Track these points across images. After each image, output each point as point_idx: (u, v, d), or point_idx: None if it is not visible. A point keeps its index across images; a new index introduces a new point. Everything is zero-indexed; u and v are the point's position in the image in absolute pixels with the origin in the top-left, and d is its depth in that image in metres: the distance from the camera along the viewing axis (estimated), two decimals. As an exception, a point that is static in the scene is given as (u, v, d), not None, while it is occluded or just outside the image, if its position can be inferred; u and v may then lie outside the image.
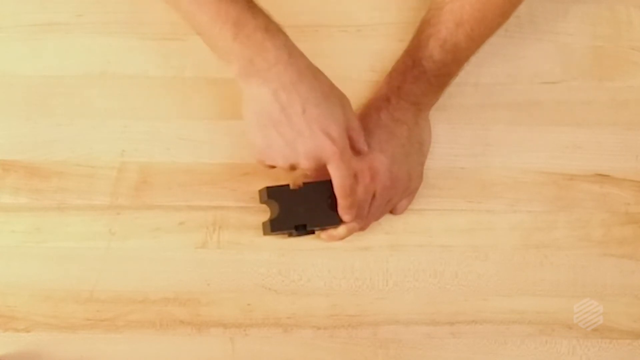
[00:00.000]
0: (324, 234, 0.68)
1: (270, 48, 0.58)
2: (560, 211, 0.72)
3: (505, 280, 0.71)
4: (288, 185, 0.67)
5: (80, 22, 0.73)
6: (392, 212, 0.70)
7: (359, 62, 0.73)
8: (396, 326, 0.70)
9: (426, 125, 0.70)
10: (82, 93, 0.72)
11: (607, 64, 0.74)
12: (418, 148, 0.69)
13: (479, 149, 0.73)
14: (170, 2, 0.61)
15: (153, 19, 0.72)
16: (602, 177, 0.73)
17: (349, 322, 0.70)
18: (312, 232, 0.68)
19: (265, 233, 0.69)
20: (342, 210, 0.65)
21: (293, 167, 0.62)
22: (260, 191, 0.68)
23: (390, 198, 0.68)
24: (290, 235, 0.68)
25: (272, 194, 0.66)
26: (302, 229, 0.66)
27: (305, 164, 0.61)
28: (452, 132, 0.73)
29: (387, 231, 0.71)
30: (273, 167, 0.64)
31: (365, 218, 0.68)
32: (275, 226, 0.66)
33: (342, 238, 0.68)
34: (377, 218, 0.70)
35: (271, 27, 0.59)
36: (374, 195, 0.67)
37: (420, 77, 0.67)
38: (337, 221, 0.67)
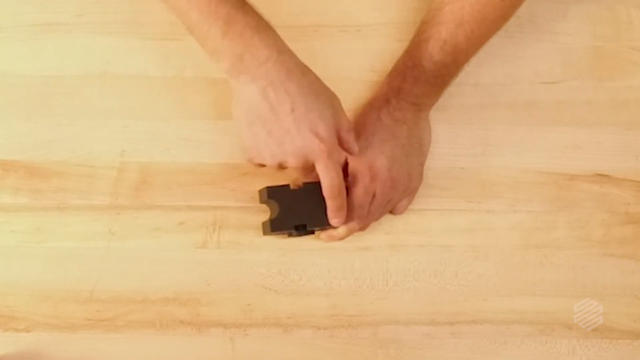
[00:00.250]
0: (324, 234, 0.68)
1: (260, 46, 0.58)
2: (560, 211, 0.72)
3: (505, 280, 0.71)
4: (288, 185, 0.67)
5: (80, 22, 0.73)
6: (392, 212, 0.70)
7: (359, 62, 0.73)
8: (396, 326, 0.70)
9: (426, 126, 0.70)
10: (82, 93, 0.72)
11: (607, 64, 0.74)
12: (418, 148, 0.69)
13: (479, 149, 0.73)
14: None
15: (153, 19, 0.72)
16: (602, 177, 0.73)
17: (349, 322, 0.70)
18: (312, 232, 0.68)
19: (265, 233, 0.69)
20: (332, 213, 0.64)
21: (281, 166, 0.62)
22: (260, 191, 0.68)
23: (390, 198, 0.68)
24: (290, 235, 0.68)
25: (272, 194, 0.66)
26: (302, 229, 0.66)
27: (293, 163, 0.61)
28: (452, 132, 0.73)
29: (387, 231, 0.71)
30: (262, 165, 0.64)
31: (365, 218, 0.68)
32: (275, 226, 0.66)
33: (342, 238, 0.68)
34: (377, 218, 0.70)
35: (261, 25, 0.59)
36: (374, 196, 0.67)
37: (420, 77, 0.67)
38: (337, 221, 0.67)
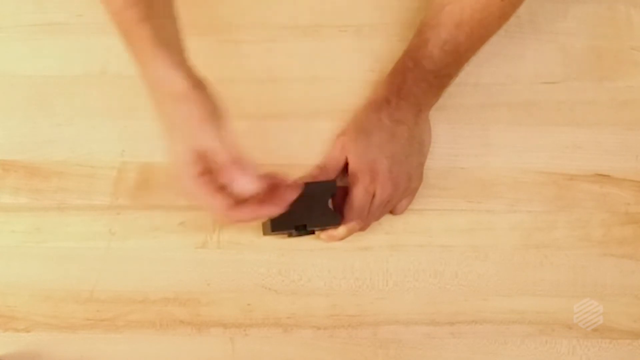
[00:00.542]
0: (323, 234, 0.68)
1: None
2: (560, 211, 0.72)
3: (505, 280, 0.71)
4: (288, 185, 0.67)
5: (80, 22, 0.73)
6: (392, 212, 0.70)
7: (359, 62, 0.73)
8: (396, 326, 0.70)
9: (426, 126, 0.70)
10: (82, 93, 0.72)
11: (607, 64, 0.74)
12: (418, 148, 0.69)
13: (479, 149, 0.73)
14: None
15: (153, 19, 0.72)
16: (602, 177, 0.73)
17: (349, 322, 0.70)
18: (312, 232, 0.68)
19: (265, 233, 0.69)
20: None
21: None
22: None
23: (391, 198, 0.68)
24: (290, 235, 0.68)
25: (272, 194, 0.66)
26: (302, 229, 0.66)
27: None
28: (452, 132, 0.73)
29: (387, 231, 0.71)
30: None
31: (365, 218, 0.68)
32: (275, 226, 0.66)
33: (342, 238, 0.68)
34: (377, 218, 0.70)
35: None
36: (374, 196, 0.67)
37: (420, 77, 0.67)
38: (337, 221, 0.67)
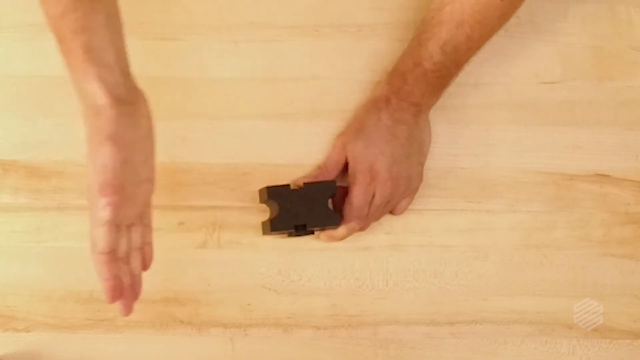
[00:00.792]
0: (323, 234, 0.69)
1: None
2: (560, 211, 0.72)
3: (505, 280, 0.71)
4: (288, 185, 0.67)
5: (80, 22, 0.73)
6: (392, 212, 0.70)
7: (359, 62, 0.73)
8: (396, 326, 0.70)
9: (426, 126, 0.70)
10: (82, 93, 0.72)
11: (607, 64, 0.74)
12: (418, 148, 0.69)
13: (479, 149, 0.73)
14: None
15: (153, 19, 0.72)
16: (602, 177, 0.73)
17: (349, 322, 0.70)
18: (312, 232, 0.68)
19: (265, 233, 0.69)
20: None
21: None
22: (260, 191, 0.68)
23: (390, 198, 0.68)
24: (290, 235, 0.68)
25: (272, 194, 0.66)
26: (302, 229, 0.66)
27: None
28: (452, 132, 0.73)
29: (387, 231, 0.71)
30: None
31: (365, 218, 0.68)
32: (275, 226, 0.66)
33: (341, 238, 0.68)
34: (377, 218, 0.70)
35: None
36: (373, 196, 0.67)
37: (420, 78, 0.67)
38: (337, 221, 0.67)
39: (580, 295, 0.71)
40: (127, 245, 0.57)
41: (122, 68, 0.56)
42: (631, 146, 0.73)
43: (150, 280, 0.69)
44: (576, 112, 0.73)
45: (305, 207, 0.66)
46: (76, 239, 0.70)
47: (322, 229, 0.68)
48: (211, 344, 0.69)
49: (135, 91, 0.57)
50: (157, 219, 0.70)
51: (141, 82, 0.72)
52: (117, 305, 0.57)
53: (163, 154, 0.71)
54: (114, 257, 0.56)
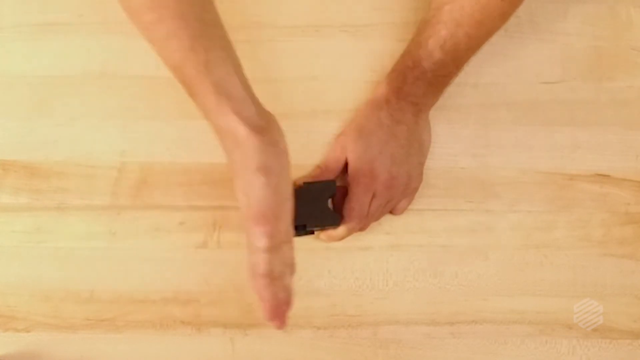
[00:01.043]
0: (323, 234, 0.69)
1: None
2: (560, 211, 0.72)
3: (505, 280, 0.71)
4: (288, 185, 0.67)
5: (81, 22, 0.73)
6: (392, 212, 0.70)
7: (359, 62, 0.73)
8: (396, 326, 0.70)
9: (426, 126, 0.71)
10: (82, 93, 0.72)
11: (607, 64, 0.74)
12: (418, 148, 0.69)
13: (479, 149, 0.73)
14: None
15: (153, 19, 0.72)
16: (602, 177, 0.73)
17: (349, 322, 0.70)
18: (312, 232, 0.68)
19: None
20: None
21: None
22: (260, 191, 0.68)
23: (390, 198, 0.68)
24: (290, 235, 0.68)
25: (272, 194, 0.66)
26: (302, 229, 0.66)
27: None
28: (452, 132, 0.73)
29: (387, 231, 0.71)
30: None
31: (365, 218, 0.68)
32: (275, 226, 0.66)
33: (341, 238, 0.68)
34: (376, 218, 0.70)
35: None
36: (373, 196, 0.67)
37: (420, 77, 0.67)
38: (337, 221, 0.67)
39: (580, 295, 0.71)
40: (281, 264, 0.57)
41: (251, 96, 0.57)
42: (631, 146, 0.73)
43: (150, 280, 0.69)
44: (576, 112, 0.73)
45: (305, 207, 0.66)
46: (76, 239, 0.70)
47: (322, 229, 0.68)
48: (211, 344, 0.69)
49: (268, 116, 0.58)
50: (157, 219, 0.70)
51: (142, 82, 0.72)
52: (274, 322, 0.58)
53: (163, 154, 0.71)
54: (272, 278, 0.57)
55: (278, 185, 0.56)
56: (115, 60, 0.72)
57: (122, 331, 0.69)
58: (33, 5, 0.73)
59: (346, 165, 0.69)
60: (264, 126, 0.56)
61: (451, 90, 0.70)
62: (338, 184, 0.69)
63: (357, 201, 0.66)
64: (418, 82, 0.67)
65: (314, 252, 0.70)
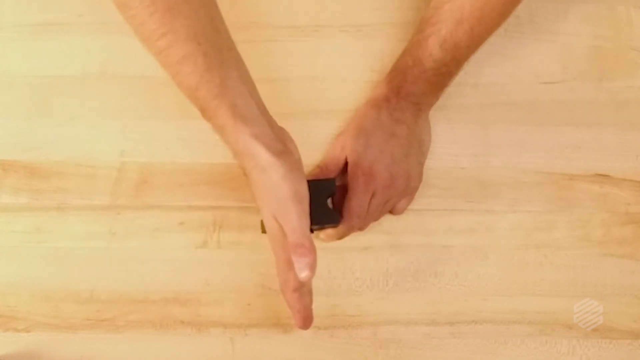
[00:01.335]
0: (323, 234, 0.68)
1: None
2: (560, 211, 0.72)
3: (505, 280, 0.71)
4: (288, 185, 0.67)
5: (81, 22, 0.73)
6: (391, 212, 0.70)
7: (359, 62, 0.73)
8: (396, 326, 0.70)
9: (426, 125, 0.71)
10: (81, 93, 0.72)
11: (607, 64, 0.74)
12: (417, 148, 0.69)
13: (479, 149, 0.73)
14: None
15: (153, 19, 0.72)
16: (602, 177, 0.73)
17: (349, 322, 0.70)
18: (312, 232, 0.68)
19: (264, 232, 0.69)
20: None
21: None
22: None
23: (390, 198, 0.68)
24: (290, 235, 0.68)
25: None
26: (302, 228, 0.66)
27: None
28: (452, 132, 0.73)
29: (387, 231, 0.71)
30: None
31: (364, 218, 0.67)
32: (275, 226, 0.66)
33: (341, 238, 0.68)
34: (376, 218, 0.70)
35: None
36: (373, 195, 0.67)
37: (420, 76, 0.67)
38: (337, 220, 0.67)
39: (580, 295, 0.71)
40: None
41: (266, 116, 0.58)
42: (631, 146, 0.73)
43: (150, 281, 0.69)
44: (576, 112, 0.73)
45: (305, 207, 0.66)
46: (76, 239, 0.70)
47: (322, 228, 0.68)
48: (211, 344, 0.69)
49: (282, 134, 0.59)
50: (157, 219, 0.70)
51: (141, 82, 0.72)
52: (304, 328, 0.63)
53: (163, 154, 0.71)
54: (302, 293, 0.61)
55: (307, 207, 0.57)
56: (115, 60, 0.72)
57: (122, 331, 0.69)
58: (33, 5, 0.73)
59: (346, 164, 0.69)
60: (283, 149, 0.57)
61: (451, 90, 0.70)
62: (338, 183, 0.69)
63: (357, 200, 0.66)
64: (418, 82, 0.67)
65: (314, 252, 0.70)
